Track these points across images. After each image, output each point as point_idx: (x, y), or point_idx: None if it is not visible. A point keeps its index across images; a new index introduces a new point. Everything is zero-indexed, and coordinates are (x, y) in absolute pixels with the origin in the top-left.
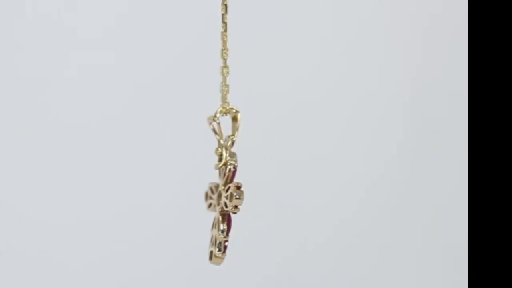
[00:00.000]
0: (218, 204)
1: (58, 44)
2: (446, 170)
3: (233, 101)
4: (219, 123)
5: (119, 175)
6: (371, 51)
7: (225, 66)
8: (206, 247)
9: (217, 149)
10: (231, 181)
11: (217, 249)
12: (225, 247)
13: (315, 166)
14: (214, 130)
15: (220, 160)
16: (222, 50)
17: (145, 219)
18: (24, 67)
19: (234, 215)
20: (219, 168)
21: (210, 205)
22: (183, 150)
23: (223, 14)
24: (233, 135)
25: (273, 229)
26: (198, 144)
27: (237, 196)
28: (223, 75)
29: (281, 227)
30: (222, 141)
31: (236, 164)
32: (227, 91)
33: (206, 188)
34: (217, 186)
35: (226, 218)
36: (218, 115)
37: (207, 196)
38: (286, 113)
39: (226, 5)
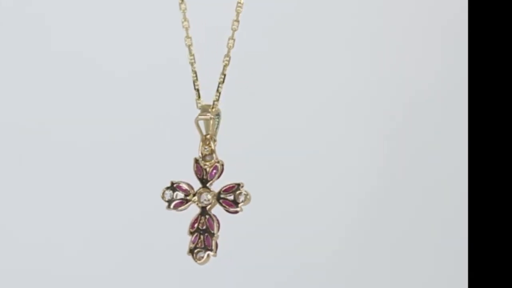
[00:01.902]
0: (209, 203)
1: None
2: (446, 169)
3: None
4: (212, 119)
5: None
6: (368, 50)
7: (193, 60)
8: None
9: (206, 146)
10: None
11: (210, 248)
12: (217, 245)
13: (311, 167)
14: (199, 126)
15: (209, 158)
16: (189, 47)
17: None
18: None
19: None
20: (212, 166)
21: (180, 203)
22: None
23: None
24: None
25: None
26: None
27: (247, 196)
28: (193, 69)
29: (266, 226)
30: (212, 139)
31: (223, 162)
32: (222, 85)
33: (164, 186)
34: (188, 184)
35: (215, 217)
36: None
37: (171, 195)
38: (272, 113)
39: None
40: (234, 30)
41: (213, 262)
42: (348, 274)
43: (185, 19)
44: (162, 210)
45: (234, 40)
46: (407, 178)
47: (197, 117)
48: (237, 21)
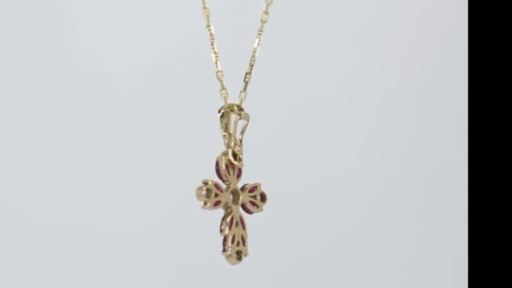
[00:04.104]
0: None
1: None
2: (446, 168)
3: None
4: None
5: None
6: (369, 48)
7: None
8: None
9: (238, 147)
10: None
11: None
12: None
13: (310, 165)
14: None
15: (236, 157)
16: (215, 55)
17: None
18: None
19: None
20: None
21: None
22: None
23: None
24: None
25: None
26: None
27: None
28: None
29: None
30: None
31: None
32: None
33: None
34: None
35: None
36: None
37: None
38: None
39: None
40: (259, 35)
41: (212, 261)
42: (348, 273)
43: (205, 7)
44: (163, 210)
45: (259, 43)
46: (406, 177)
47: (240, 116)
48: (261, 31)
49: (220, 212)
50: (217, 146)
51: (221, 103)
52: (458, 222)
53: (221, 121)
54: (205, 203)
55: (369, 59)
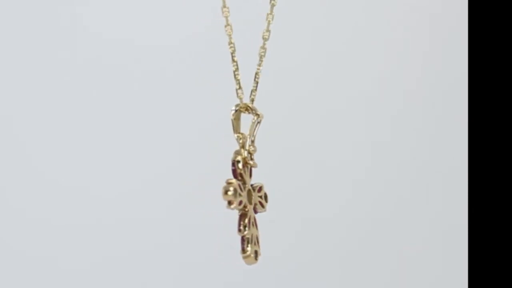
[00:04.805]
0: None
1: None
2: (446, 168)
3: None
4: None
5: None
6: (369, 48)
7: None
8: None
9: (252, 147)
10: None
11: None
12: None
13: (310, 165)
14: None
15: (251, 157)
16: (232, 54)
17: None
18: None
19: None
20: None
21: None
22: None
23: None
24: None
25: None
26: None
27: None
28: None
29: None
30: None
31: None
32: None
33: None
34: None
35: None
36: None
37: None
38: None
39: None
40: (264, 39)
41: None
42: (348, 273)
43: (225, 6)
44: (163, 210)
45: (265, 49)
46: (405, 177)
47: (258, 116)
48: (268, 31)
49: (218, 211)
50: (217, 146)
51: (220, 103)
52: (458, 222)
53: (233, 121)
54: (230, 203)
55: (369, 59)
